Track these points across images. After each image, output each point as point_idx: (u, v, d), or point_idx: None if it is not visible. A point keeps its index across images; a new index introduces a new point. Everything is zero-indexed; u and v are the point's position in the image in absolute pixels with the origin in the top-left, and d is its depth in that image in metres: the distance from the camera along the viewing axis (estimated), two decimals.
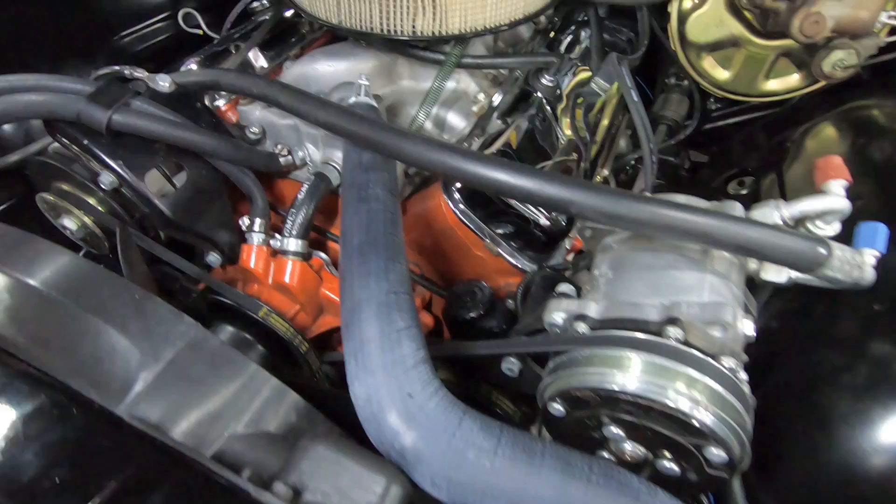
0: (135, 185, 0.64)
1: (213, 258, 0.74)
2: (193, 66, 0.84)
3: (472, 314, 0.63)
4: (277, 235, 0.72)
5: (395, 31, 0.70)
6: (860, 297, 0.56)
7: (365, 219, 0.48)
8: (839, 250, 0.45)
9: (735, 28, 0.93)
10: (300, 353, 0.70)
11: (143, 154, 0.66)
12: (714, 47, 0.98)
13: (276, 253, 0.72)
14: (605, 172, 0.96)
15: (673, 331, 0.42)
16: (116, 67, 0.71)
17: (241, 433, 0.37)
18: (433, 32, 0.71)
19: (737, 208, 0.51)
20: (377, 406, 0.38)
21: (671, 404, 0.39)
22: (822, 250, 0.44)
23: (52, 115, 0.61)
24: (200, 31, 1.08)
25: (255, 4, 0.99)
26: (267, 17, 0.94)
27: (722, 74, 1.00)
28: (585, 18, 1.04)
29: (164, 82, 0.68)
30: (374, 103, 0.67)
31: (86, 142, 0.62)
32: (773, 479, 0.55)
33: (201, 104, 0.75)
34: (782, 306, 0.63)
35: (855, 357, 0.56)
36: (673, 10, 0.99)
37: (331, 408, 0.45)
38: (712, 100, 1.14)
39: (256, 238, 0.72)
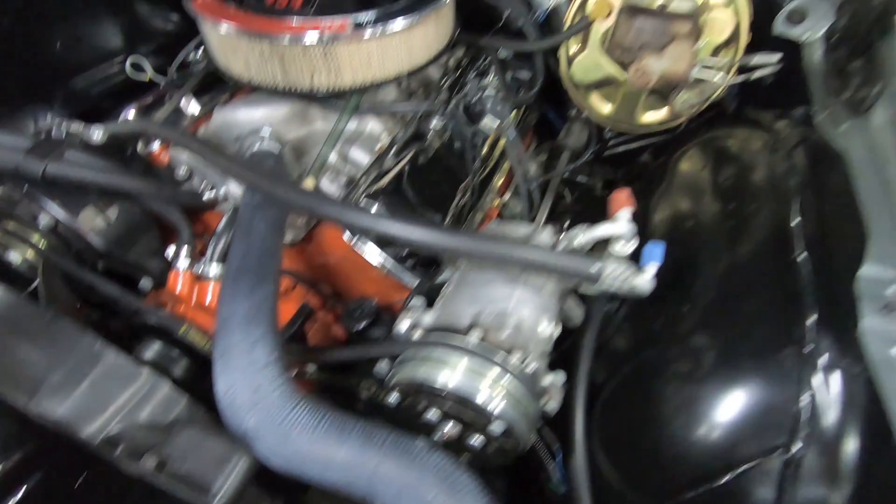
0: (68, 223, 0.76)
1: (145, 283, 0.86)
2: (131, 114, 0.96)
3: (358, 326, 0.75)
4: (203, 261, 0.83)
5: (296, 88, 0.83)
6: (674, 302, 0.70)
7: (243, 249, 0.60)
8: (612, 268, 0.58)
9: (610, 70, 1.07)
10: None
11: (77, 196, 0.78)
12: (597, 86, 1.12)
13: (199, 277, 0.84)
14: (507, 197, 1.10)
15: (474, 333, 0.54)
16: (56, 120, 0.82)
17: (125, 421, 0.49)
18: (328, 88, 0.83)
19: (545, 234, 0.63)
20: (231, 397, 0.49)
21: (460, 389, 0.52)
22: (594, 270, 0.57)
23: None
24: (147, 78, 1.20)
25: (192, 56, 1.11)
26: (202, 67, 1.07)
27: (606, 109, 1.14)
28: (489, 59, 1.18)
29: (96, 134, 0.80)
30: (274, 151, 0.80)
31: (26, 188, 0.74)
32: (616, 451, 0.68)
33: (132, 150, 0.87)
34: (625, 311, 0.76)
35: (675, 351, 0.69)
36: (561, 54, 1.13)
37: None
38: (608, 129, 1.28)
39: (182, 264, 0.83)
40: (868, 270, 0.62)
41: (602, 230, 0.62)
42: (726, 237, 0.79)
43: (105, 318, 0.83)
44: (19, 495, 0.40)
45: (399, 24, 0.80)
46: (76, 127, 0.80)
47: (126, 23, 1.32)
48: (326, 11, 0.78)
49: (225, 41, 0.82)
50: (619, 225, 0.61)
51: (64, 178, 0.72)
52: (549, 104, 1.33)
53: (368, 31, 0.78)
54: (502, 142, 1.05)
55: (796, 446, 0.55)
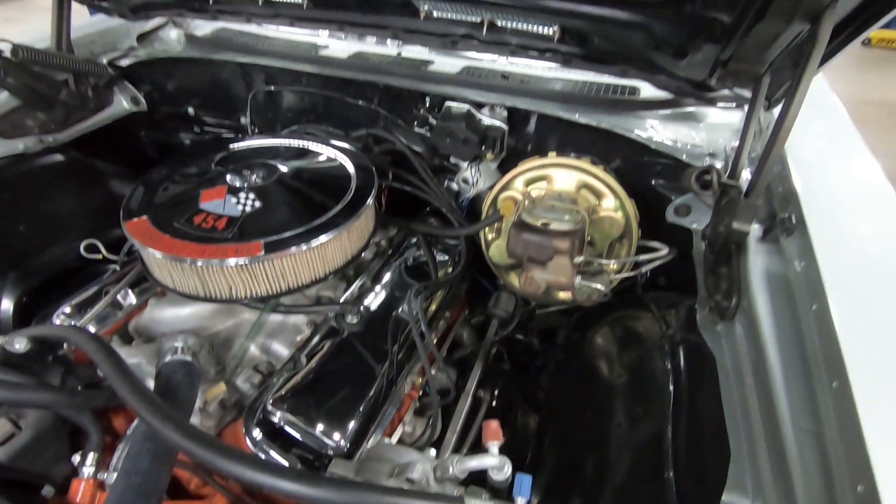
0: None
1: (48, 490, 0.86)
2: (67, 310, 1.02)
3: None
4: (109, 468, 0.84)
5: (215, 297, 0.90)
6: None
7: (122, 486, 0.63)
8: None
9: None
10: None
11: None
12: (513, 267, 1.22)
13: (102, 485, 0.84)
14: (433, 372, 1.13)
15: None
16: None
17: None
18: (246, 296, 0.91)
19: (424, 464, 0.66)
20: None
21: None
22: None
23: None
24: (100, 256, 1.29)
25: None
26: None
27: (527, 288, 1.23)
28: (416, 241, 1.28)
29: (19, 344, 0.85)
30: (188, 359, 0.85)
31: None
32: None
33: (54, 355, 0.91)
34: None
35: None
36: (481, 240, 1.25)
37: None
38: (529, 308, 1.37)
39: (86, 472, 0.84)
40: (729, 497, 0.65)
41: (475, 462, 0.65)
42: (624, 443, 0.83)
43: None
44: None
45: (314, 242, 0.90)
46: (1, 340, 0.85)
47: (89, 207, 1.45)
48: (244, 236, 0.88)
49: (151, 258, 0.90)
50: (490, 458, 0.65)
51: None
52: (479, 271, 1.43)
53: (281, 252, 0.87)
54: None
55: None
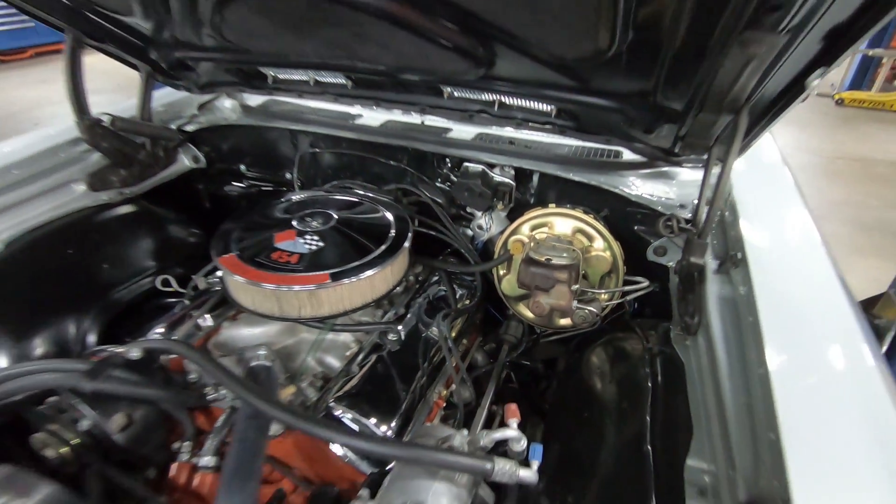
0: (102, 426, 0.99)
1: (150, 472, 1.06)
2: (160, 331, 1.25)
3: None
4: (200, 453, 1.04)
5: (287, 316, 1.14)
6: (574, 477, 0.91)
7: (237, 451, 0.84)
8: (500, 466, 0.81)
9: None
10: None
11: (112, 404, 1.02)
12: (522, 297, 1.46)
13: (195, 468, 1.04)
14: (453, 387, 1.35)
15: None
16: (108, 349, 1.10)
17: None
18: (311, 315, 1.14)
19: (459, 437, 0.88)
20: None
21: None
22: (487, 466, 0.80)
23: (58, 387, 0.98)
24: (172, 290, 1.53)
25: (211, 278, 1.44)
26: (218, 289, 1.39)
27: (530, 314, 1.46)
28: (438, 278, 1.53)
29: (135, 353, 1.07)
30: (268, 364, 1.07)
31: (73, 401, 0.99)
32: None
33: (157, 363, 1.13)
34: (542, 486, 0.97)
35: None
36: (494, 275, 1.49)
37: None
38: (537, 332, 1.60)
39: (183, 457, 1.04)
40: (691, 461, 0.86)
41: (499, 434, 0.86)
42: (613, 429, 1.04)
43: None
44: None
45: (368, 272, 1.14)
46: (121, 349, 1.07)
47: (156, 248, 1.70)
48: (312, 268, 1.12)
49: (237, 284, 1.14)
50: (510, 431, 0.86)
51: (109, 392, 0.97)
52: (491, 304, 1.66)
53: (342, 280, 1.11)
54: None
55: None
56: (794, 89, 0.89)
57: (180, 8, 1.21)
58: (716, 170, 1.16)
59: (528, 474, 0.83)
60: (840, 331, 0.85)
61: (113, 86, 7.66)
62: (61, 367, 0.99)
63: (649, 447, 0.91)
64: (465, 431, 0.92)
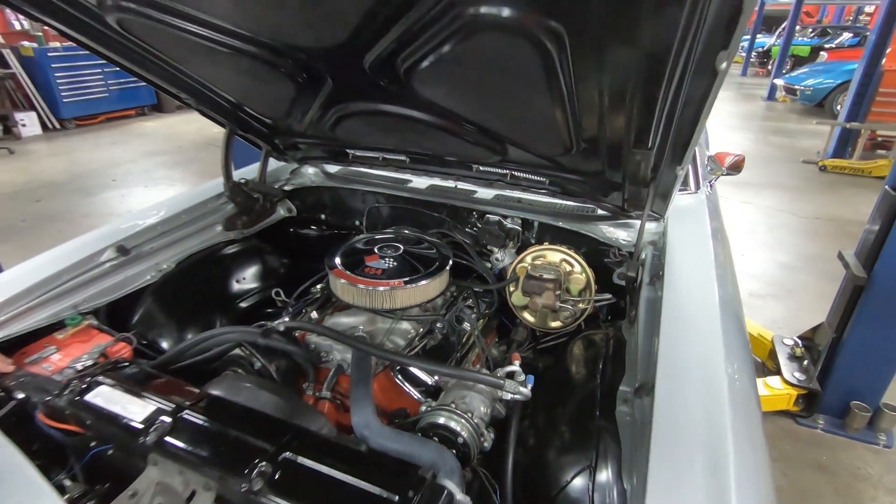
0: (266, 366, 1.63)
1: None
2: (286, 320, 1.90)
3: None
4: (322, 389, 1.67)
5: (373, 308, 1.79)
6: (548, 412, 1.52)
7: (357, 377, 1.47)
8: (509, 383, 1.42)
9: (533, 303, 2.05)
10: None
11: (269, 355, 1.67)
12: (525, 307, 2.09)
13: (318, 398, 1.66)
14: (478, 366, 1.96)
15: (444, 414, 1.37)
16: (266, 324, 1.75)
17: None
18: (389, 307, 1.79)
19: (486, 371, 1.50)
20: (360, 426, 1.31)
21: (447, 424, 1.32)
22: (502, 382, 1.41)
23: (245, 341, 1.63)
24: (280, 299, 2.19)
25: (313, 290, 2.11)
26: (319, 295, 2.05)
27: (532, 319, 2.09)
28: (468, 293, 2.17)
29: (281, 328, 1.72)
30: (364, 335, 1.72)
31: (249, 351, 1.63)
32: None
33: (291, 336, 1.77)
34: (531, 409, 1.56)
35: (546, 432, 1.48)
36: (507, 291, 2.13)
37: None
38: (537, 330, 2.21)
39: (307, 392, 1.67)
40: (622, 387, 1.46)
41: (509, 368, 1.47)
42: (579, 379, 1.64)
43: None
44: None
45: (424, 281, 1.80)
46: (274, 324, 1.72)
47: (262, 272, 2.40)
48: (392, 276, 1.79)
49: (344, 287, 1.81)
50: (514, 367, 1.47)
51: (269, 346, 1.62)
52: (504, 316, 2.30)
53: (409, 285, 1.77)
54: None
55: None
56: (675, 172, 1.55)
57: (310, 119, 1.95)
58: (649, 223, 1.83)
59: (525, 391, 1.43)
60: (705, 321, 1.45)
61: (174, 147, 8.76)
62: (247, 330, 1.64)
63: (598, 384, 1.51)
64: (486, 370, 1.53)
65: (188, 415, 1.26)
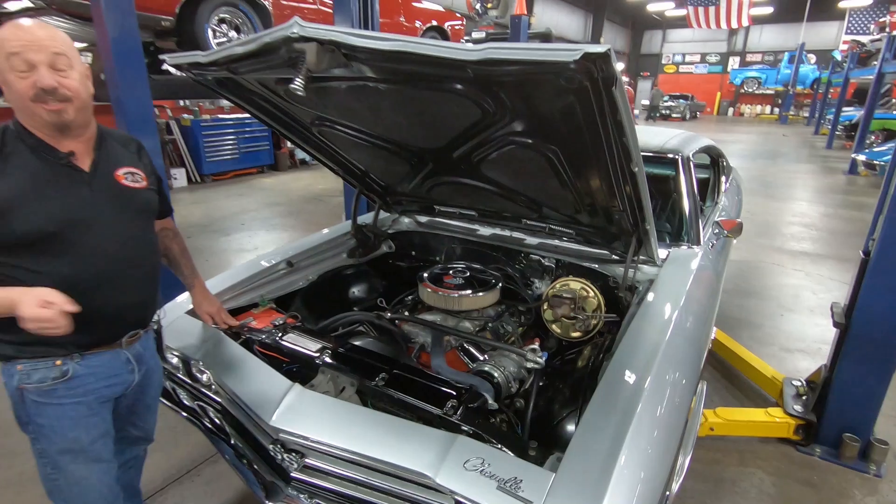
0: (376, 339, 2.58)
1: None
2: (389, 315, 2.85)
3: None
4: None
5: (447, 310, 2.71)
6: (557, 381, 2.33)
7: (435, 349, 2.36)
8: (530, 355, 2.24)
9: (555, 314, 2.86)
10: None
11: (382, 332, 2.62)
12: (554, 320, 2.90)
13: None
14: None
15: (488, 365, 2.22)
16: (380, 314, 2.72)
17: None
18: (457, 309, 2.70)
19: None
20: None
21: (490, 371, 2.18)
22: (528, 355, 2.24)
23: (369, 321, 2.60)
24: (383, 306, 3.16)
25: (406, 300, 3.07)
26: (409, 303, 3.01)
27: (559, 330, 2.88)
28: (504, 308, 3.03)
29: (388, 314, 2.67)
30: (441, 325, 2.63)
31: (367, 328, 2.60)
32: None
33: (394, 322, 2.72)
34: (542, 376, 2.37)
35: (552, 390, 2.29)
36: (541, 309, 2.97)
37: None
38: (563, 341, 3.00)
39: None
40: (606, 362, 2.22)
41: (529, 346, 2.28)
42: (579, 371, 2.41)
43: None
44: None
45: (480, 293, 2.70)
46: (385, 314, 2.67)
47: (369, 289, 3.42)
48: (460, 289, 2.71)
49: (430, 294, 2.75)
50: (535, 346, 2.28)
51: (381, 326, 2.57)
52: (540, 330, 3.11)
53: (468, 294, 2.67)
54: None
55: None
56: (646, 227, 2.36)
57: (413, 185, 2.98)
58: (648, 267, 2.64)
59: (541, 360, 2.25)
60: (655, 335, 2.22)
61: (287, 200, 10.39)
62: (368, 315, 2.62)
63: (589, 366, 2.29)
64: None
65: (339, 349, 2.22)
